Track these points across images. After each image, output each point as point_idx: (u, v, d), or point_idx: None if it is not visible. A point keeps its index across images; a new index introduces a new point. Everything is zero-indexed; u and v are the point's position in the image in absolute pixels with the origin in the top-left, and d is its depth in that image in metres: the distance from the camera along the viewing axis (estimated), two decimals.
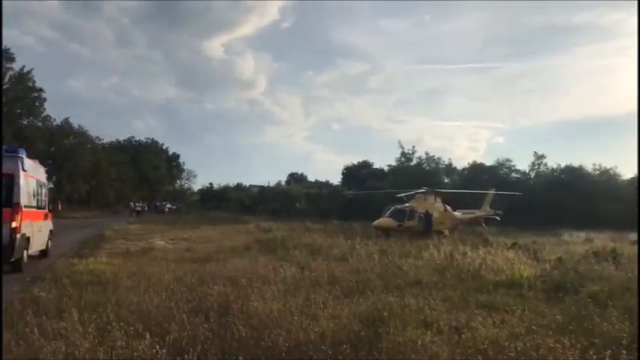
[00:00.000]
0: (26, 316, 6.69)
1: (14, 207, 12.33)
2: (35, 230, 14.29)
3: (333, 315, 7.26)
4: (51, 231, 17.23)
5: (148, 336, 5.53)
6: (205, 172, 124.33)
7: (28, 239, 13.44)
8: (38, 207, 14.97)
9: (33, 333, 5.68)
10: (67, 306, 7.49)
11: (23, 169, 12.90)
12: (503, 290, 10.28)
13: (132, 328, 6.06)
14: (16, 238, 12.29)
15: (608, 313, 7.25)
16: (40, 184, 15.33)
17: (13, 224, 12.26)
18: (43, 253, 16.03)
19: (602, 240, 25.15)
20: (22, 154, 13.10)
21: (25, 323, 6.27)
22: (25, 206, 12.98)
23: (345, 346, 5.40)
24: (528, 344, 5.48)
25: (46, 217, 16.22)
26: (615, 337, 5.96)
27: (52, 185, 59.58)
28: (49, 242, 16.87)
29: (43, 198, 15.92)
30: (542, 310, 7.89)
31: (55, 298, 8.29)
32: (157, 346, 5.33)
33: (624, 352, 5.16)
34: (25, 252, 13.21)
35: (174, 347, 5.60)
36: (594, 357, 4.95)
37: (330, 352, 5.20)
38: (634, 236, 27.01)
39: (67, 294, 8.56)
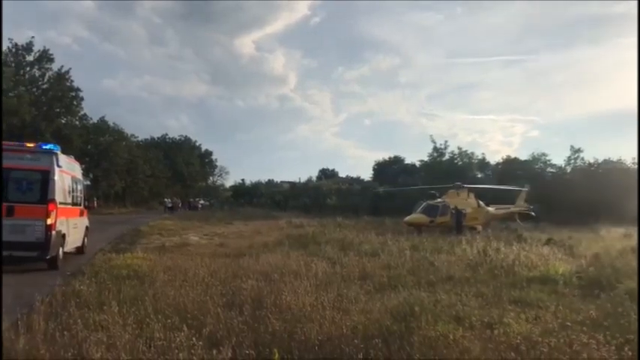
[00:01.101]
0: (69, 307, 6.95)
1: (49, 204, 12.24)
2: (71, 227, 14.23)
3: (365, 310, 7.33)
4: (87, 228, 17.16)
5: (185, 328, 5.68)
6: (237, 168, 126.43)
7: (63, 236, 13.38)
8: (74, 204, 14.87)
9: (76, 324, 5.89)
10: (106, 299, 7.74)
11: (58, 165, 12.81)
12: (537, 286, 10.17)
13: (169, 321, 6.25)
14: (51, 235, 12.23)
15: None
16: (75, 181, 15.22)
17: (48, 221, 12.18)
18: (79, 250, 16.02)
19: None
20: (57, 150, 13.04)
21: (68, 314, 6.52)
22: (60, 203, 12.90)
23: (376, 340, 5.46)
24: (562, 340, 5.44)
25: (81, 213, 16.11)
26: None
27: (88, 182, 61.53)
28: (85, 239, 16.82)
29: (79, 194, 15.80)
30: (577, 307, 7.79)
31: (95, 292, 8.59)
32: (194, 338, 5.49)
33: None
34: (60, 249, 13.17)
35: (209, 339, 5.77)
36: (629, 353, 4.89)
37: (361, 346, 5.26)
38: None
39: (107, 287, 8.84)
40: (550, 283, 10.50)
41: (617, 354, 4.94)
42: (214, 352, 5.01)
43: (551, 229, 29.55)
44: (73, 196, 14.68)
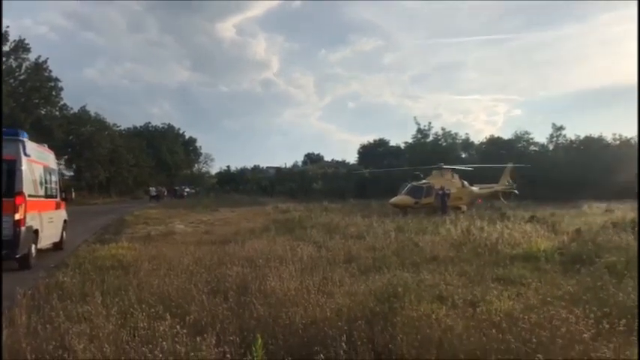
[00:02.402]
0: (51, 300, 6.90)
1: (16, 197, 11.06)
2: (45, 221, 13.17)
3: (349, 292, 7.37)
4: (65, 221, 15.98)
5: (168, 317, 5.67)
6: (222, 155, 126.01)
7: (35, 232, 12.31)
8: (48, 196, 13.75)
9: (59, 316, 5.85)
10: (90, 290, 7.70)
11: (25, 154, 11.60)
12: (519, 264, 10.31)
13: (153, 310, 6.24)
14: (20, 231, 11.10)
15: (624, 284, 7.24)
16: (48, 171, 14.10)
17: (17, 216, 11.00)
18: (57, 246, 15.00)
19: (622, 211, 24.85)
20: (24, 137, 11.76)
21: (50, 307, 6.47)
22: (30, 195, 11.77)
23: (360, 322, 5.49)
24: (542, 316, 5.52)
25: (57, 206, 14.98)
26: (630, 307, 5.97)
27: (72, 173, 60.89)
28: (64, 233, 15.74)
29: (54, 186, 14.67)
30: (558, 282, 7.89)
31: (78, 283, 8.53)
32: (178, 327, 5.48)
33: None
34: (33, 246, 12.12)
35: (193, 327, 5.76)
36: (607, 326, 4.98)
37: (345, 328, 5.29)
38: None
39: (90, 279, 8.78)
40: (532, 260, 10.65)
41: (596, 327, 5.02)
42: (198, 339, 5.00)
43: (535, 207, 29.94)
44: (46, 188, 13.63)
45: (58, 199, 15.18)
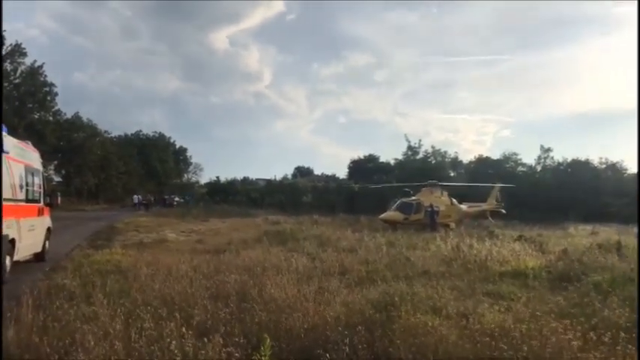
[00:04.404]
0: (57, 300, 7.07)
1: None
2: (24, 229, 11.42)
3: (346, 301, 7.60)
4: (49, 229, 14.31)
5: (178, 317, 5.88)
6: (212, 165, 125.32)
7: (12, 241, 10.58)
8: (29, 200, 12.07)
9: (68, 314, 6.04)
10: (93, 292, 7.87)
11: (2, 150, 9.95)
12: (508, 280, 10.61)
13: (159, 311, 6.45)
14: None
15: (609, 301, 7.56)
16: (31, 171, 12.41)
17: None
18: (39, 257, 13.27)
19: (607, 233, 25.36)
20: (3, 131, 10.25)
21: (57, 307, 6.64)
22: (7, 199, 9.93)
23: (359, 327, 5.74)
24: (532, 327, 5.80)
25: (40, 212, 13.26)
26: (615, 322, 6.28)
27: (60, 179, 60.56)
28: (47, 243, 14.07)
29: (37, 189, 13.02)
30: (547, 298, 8.20)
31: (79, 285, 8.70)
32: (183, 328, 5.70)
33: (623, 333, 5.47)
34: (8, 258, 10.36)
35: (198, 329, 5.98)
36: (594, 337, 5.28)
37: (346, 333, 5.53)
38: None
39: (91, 282, 8.96)
40: (521, 277, 10.94)
41: (583, 338, 5.31)
42: (205, 340, 5.22)
43: (522, 227, 30.34)
44: (27, 191, 11.95)
45: (42, 204, 13.53)
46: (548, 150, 60.94)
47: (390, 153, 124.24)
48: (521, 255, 13.91)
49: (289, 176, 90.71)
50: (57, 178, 58.35)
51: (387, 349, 5.27)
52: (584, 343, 5.14)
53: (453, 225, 30.63)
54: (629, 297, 8.03)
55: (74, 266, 11.61)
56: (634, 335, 5.61)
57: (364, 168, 74.77)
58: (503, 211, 36.71)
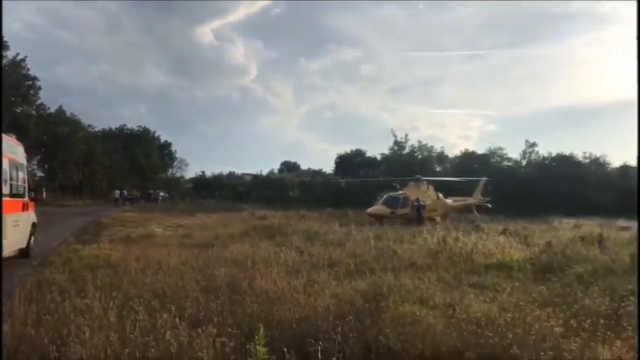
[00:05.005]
0: (49, 293, 7.12)
1: None
2: (8, 225, 11.16)
3: (335, 293, 7.75)
4: (34, 225, 14.08)
5: (172, 308, 5.98)
6: (197, 160, 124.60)
7: None
8: (12, 195, 11.87)
9: (62, 307, 6.11)
10: (84, 286, 7.93)
11: None
12: (493, 272, 10.84)
13: (152, 303, 6.54)
14: None
15: (590, 290, 7.80)
16: (15, 166, 12.21)
17: None
18: (23, 253, 13.00)
19: (590, 226, 25.86)
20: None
21: (50, 300, 6.70)
22: None
23: (349, 317, 5.89)
24: (517, 315, 6.00)
25: (25, 207, 12.99)
26: (596, 310, 6.51)
27: (43, 174, 59.89)
28: (32, 238, 13.80)
29: (21, 183, 12.81)
30: (530, 289, 8.42)
31: (70, 280, 8.75)
32: (177, 319, 5.80)
33: (602, 320, 5.69)
34: None
35: (191, 320, 6.09)
36: (575, 325, 5.48)
37: (337, 322, 5.67)
38: (622, 222, 27.88)
39: (81, 276, 9.00)
40: (505, 269, 11.19)
41: (565, 325, 5.52)
42: (199, 330, 5.33)
43: (507, 221, 30.76)
44: (11, 186, 11.84)
45: (26, 198, 13.34)
46: (533, 145, 61.74)
47: (377, 148, 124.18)
48: (506, 248, 14.18)
49: (276, 171, 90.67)
50: (40, 173, 57.77)
51: (377, 337, 5.42)
52: (565, 330, 5.34)
53: (438, 219, 30.96)
54: (609, 287, 8.30)
55: (63, 261, 11.64)
56: (613, 322, 5.83)
57: (351, 163, 74.99)
58: (489, 205, 37.18)
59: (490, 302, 7.35)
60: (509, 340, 5.15)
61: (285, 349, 4.94)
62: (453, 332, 5.56)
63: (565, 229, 26.09)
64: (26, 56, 46.60)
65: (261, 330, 4.56)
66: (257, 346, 4.52)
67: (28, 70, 47.04)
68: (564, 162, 58.52)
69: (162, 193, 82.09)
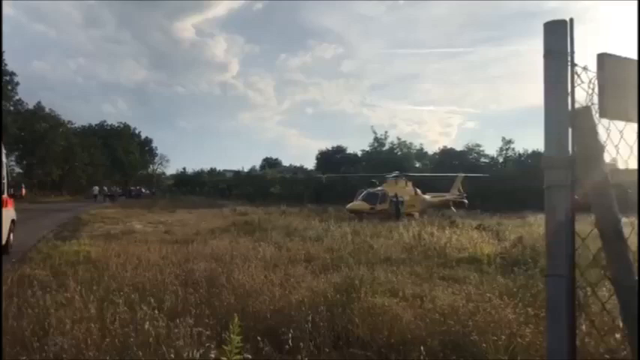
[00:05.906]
0: (29, 289, 7.29)
1: None
2: None
3: (311, 286, 8.04)
4: (13, 221, 13.99)
5: (151, 300, 6.21)
6: (178, 156, 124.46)
7: None
8: None
9: (44, 301, 6.31)
10: (65, 281, 8.10)
11: None
12: (465, 266, 11.23)
13: (132, 296, 6.76)
14: None
15: None
16: None
17: None
18: (3, 250, 12.48)
19: None
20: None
21: (31, 294, 6.88)
22: None
23: (321, 307, 6.19)
24: (480, 305, 6.35)
25: (4, 204, 12.93)
26: None
27: (21, 170, 59.21)
28: (11, 235, 13.73)
29: (0, 180, 12.80)
30: (497, 281, 8.81)
31: (51, 275, 8.91)
32: (156, 311, 6.04)
33: None
34: None
35: (170, 313, 6.33)
36: (532, 312, 5.85)
37: (309, 312, 5.97)
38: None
39: (62, 271, 9.17)
40: (476, 262, 11.61)
41: (525, 311, 5.89)
42: (177, 321, 5.58)
43: (483, 216, 31.37)
44: None
45: (5, 195, 13.25)
46: (510, 142, 62.84)
47: (358, 144, 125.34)
48: (479, 242, 14.60)
49: (257, 167, 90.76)
50: (18, 169, 57.14)
51: (346, 326, 5.74)
52: (523, 318, 5.70)
53: (417, 214, 31.42)
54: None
55: (43, 257, 11.75)
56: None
57: (332, 159, 75.49)
58: (466, 201, 37.82)
59: (457, 294, 7.72)
60: (470, 328, 5.50)
61: (259, 338, 5.20)
62: (419, 321, 5.89)
63: (539, 224, 26.64)
64: (4, 51, 46.02)
65: (236, 319, 4.81)
66: (231, 335, 4.78)
67: (6, 65, 46.49)
68: (539, 159, 59.54)
69: (143, 190, 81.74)
